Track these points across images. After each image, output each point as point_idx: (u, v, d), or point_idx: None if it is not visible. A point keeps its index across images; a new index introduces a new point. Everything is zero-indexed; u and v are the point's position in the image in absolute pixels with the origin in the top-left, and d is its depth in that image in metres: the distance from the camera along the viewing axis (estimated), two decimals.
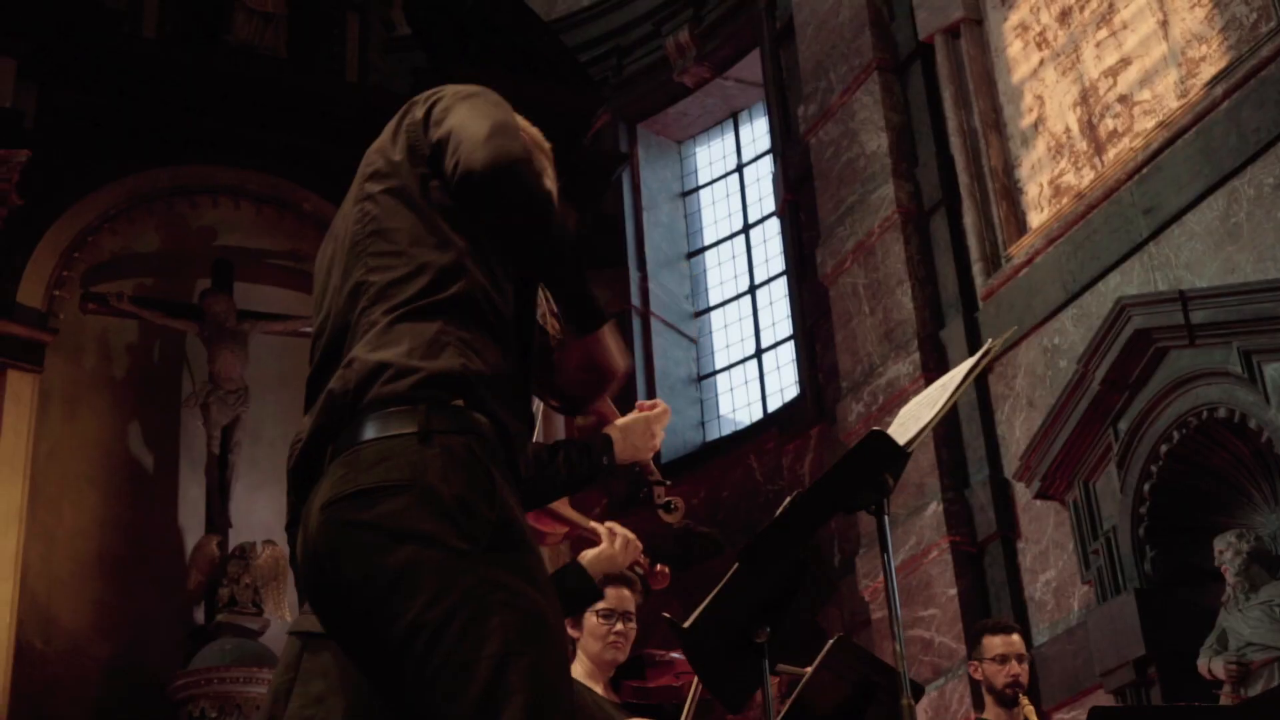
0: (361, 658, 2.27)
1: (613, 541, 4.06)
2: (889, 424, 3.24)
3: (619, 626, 4.56)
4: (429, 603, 2.09)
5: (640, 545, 4.12)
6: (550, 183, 2.72)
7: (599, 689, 4.58)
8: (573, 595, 4.13)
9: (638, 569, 4.19)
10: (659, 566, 4.17)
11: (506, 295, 2.41)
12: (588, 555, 4.10)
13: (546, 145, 2.77)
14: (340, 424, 2.27)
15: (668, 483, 3.05)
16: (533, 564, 2.21)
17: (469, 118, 2.38)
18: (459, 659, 2.07)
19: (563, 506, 4.06)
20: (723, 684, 3.63)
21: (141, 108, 11.44)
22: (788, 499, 3.16)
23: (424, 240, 2.37)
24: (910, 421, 3.04)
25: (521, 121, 2.74)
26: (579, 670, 4.60)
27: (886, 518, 2.98)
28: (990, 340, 3.26)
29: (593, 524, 4.09)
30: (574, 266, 2.36)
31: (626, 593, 4.55)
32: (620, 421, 2.91)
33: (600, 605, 4.50)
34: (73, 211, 11.21)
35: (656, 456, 2.99)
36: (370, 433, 2.22)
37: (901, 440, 2.94)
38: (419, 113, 2.49)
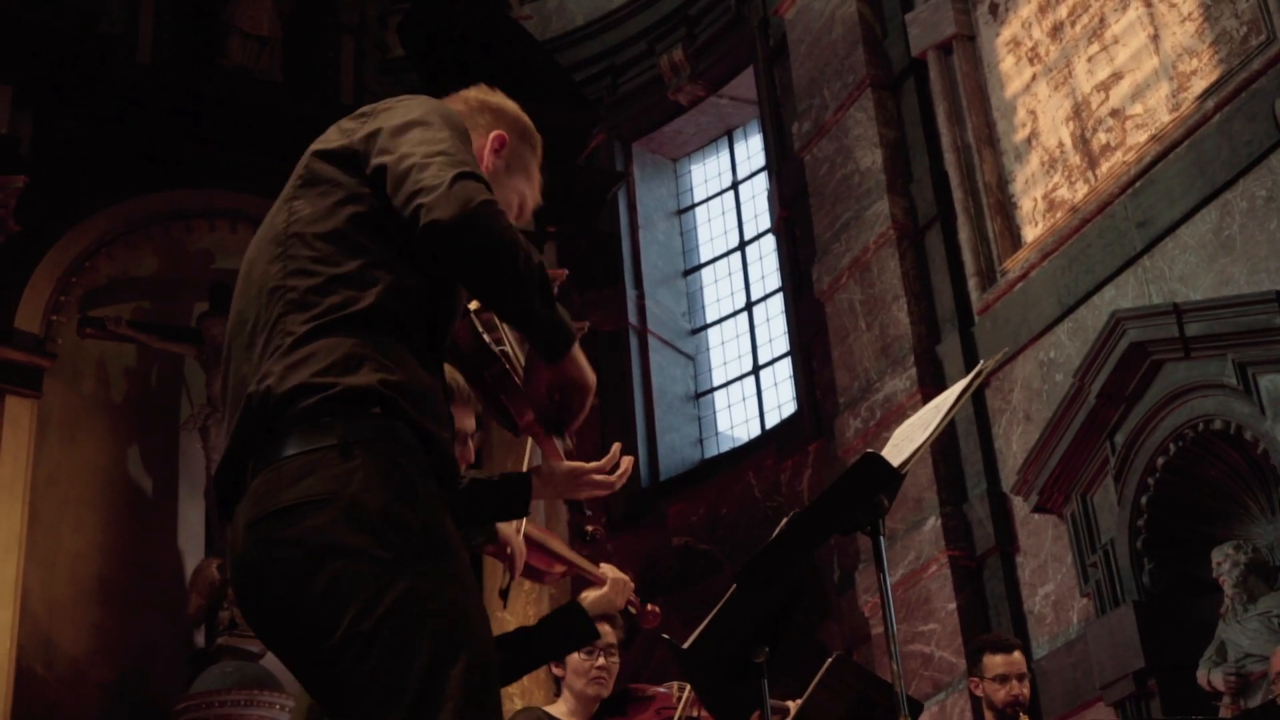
0: (299, 671, 2.32)
1: (613, 585, 4.18)
2: (885, 440, 3.26)
3: (601, 661, 4.59)
4: (358, 616, 2.13)
5: (633, 585, 4.23)
6: (531, 197, 2.78)
7: None
8: (572, 634, 4.19)
9: (630, 608, 4.27)
10: (649, 606, 4.31)
11: (425, 304, 2.42)
12: (588, 597, 4.19)
13: (529, 126, 2.82)
14: (258, 439, 2.28)
15: (589, 513, 3.15)
16: (458, 569, 2.25)
17: (424, 154, 2.37)
18: (392, 670, 2.12)
19: (562, 547, 4.13)
20: (723, 704, 3.65)
21: (137, 133, 11.45)
22: (784, 520, 3.19)
23: (344, 248, 2.38)
24: (904, 443, 3.06)
25: (499, 99, 2.81)
26: (562, 708, 4.63)
27: (882, 538, 3.01)
28: (983, 361, 3.29)
29: (591, 566, 4.17)
30: (544, 298, 2.36)
31: (607, 627, 4.58)
32: (551, 465, 2.98)
33: None
34: (70, 237, 11.23)
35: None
36: (291, 448, 2.23)
37: (895, 462, 2.97)
38: (361, 127, 2.50)
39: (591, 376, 2.48)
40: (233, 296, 2.52)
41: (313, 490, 2.19)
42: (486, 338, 2.62)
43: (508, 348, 2.70)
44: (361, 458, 2.20)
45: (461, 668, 2.13)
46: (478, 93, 2.84)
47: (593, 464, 3.04)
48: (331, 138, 2.54)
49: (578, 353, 2.45)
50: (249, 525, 2.24)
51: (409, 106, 2.51)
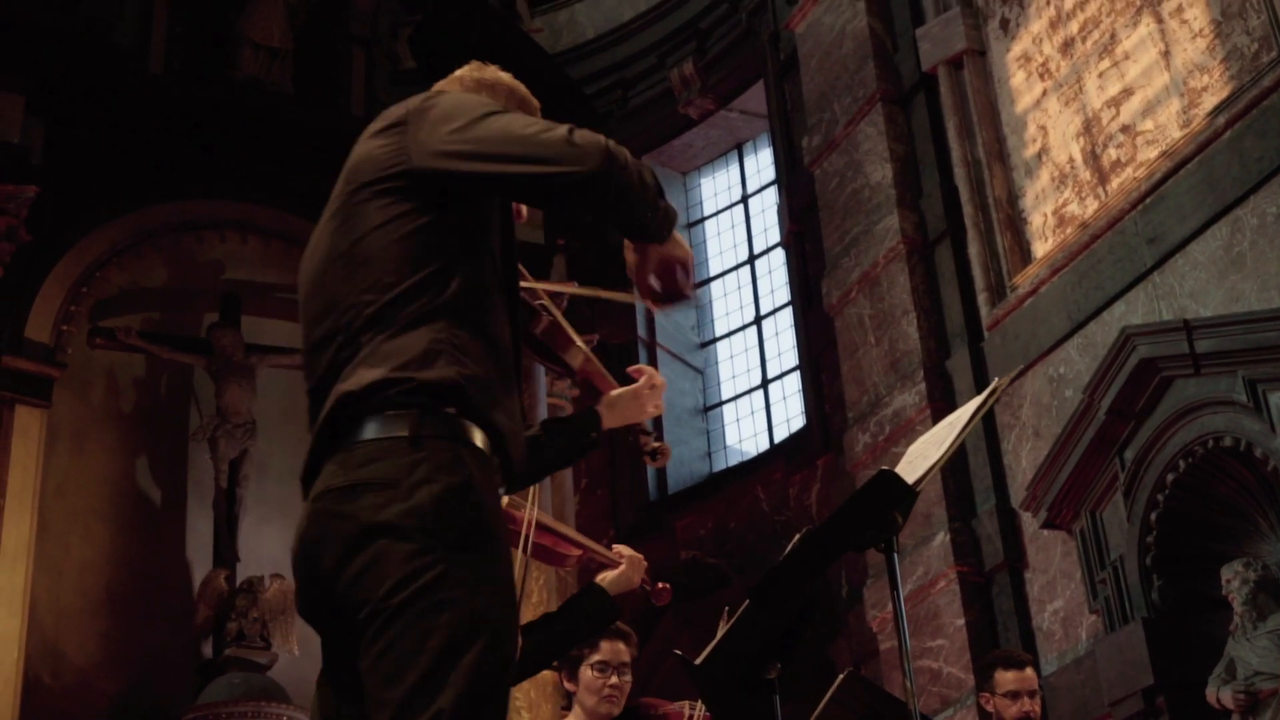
0: (332, 645, 2.40)
1: (629, 563, 4.35)
2: (896, 456, 3.26)
3: (614, 680, 4.60)
4: (390, 591, 2.21)
5: (645, 562, 4.34)
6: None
7: None
8: (595, 613, 4.29)
9: (644, 585, 4.41)
10: (660, 584, 4.50)
11: (493, 287, 2.51)
12: (607, 577, 4.32)
13: (526, 94, 2.87)
14: (339, 433, 2.38)
15: (650, 430, 3.35)
16: (498, 570, 2.32)
17: (523, 134, 2.43)
18: (405, 646, 2.19)
19: (574, 533, 4.23)
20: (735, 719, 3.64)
21: (148, 143, 11.47)
22: (797, 536, 3.19)
23: (405, 253, 2.44)
24: (919, 460, 3.07)
25: (492, 73, 2.87)
26: None
27: (896, 555, 3.01)
28: (997, 379, 3.29)
29: (604, 549, 4.28)
30: (655, 198, 2.47)
31: (621, 646, 4.61)
32: (611, 395, 3.19)
33: (595, 658, 4.57)
34: (80, 247, 11.24)
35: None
36: (365, 434, 2.34)
37: (910, 479, 2.97)
38: (403, 134, 2.53)
39: (687, 250, 2.58)
40: (302, 312, 2.58)
41: (379, 473, 2.29)
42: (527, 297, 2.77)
43: (545, 301, 2.97)
44: (429, 450, 2.30)
45: (473, 658, 2.18)
46: (470, 71, 2.89)
47: (639, 384, 3.31)
48: (374, 150, 2.57)
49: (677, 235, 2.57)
50: (315, 496, 2.36)
51: (449, 107, 2.53)
